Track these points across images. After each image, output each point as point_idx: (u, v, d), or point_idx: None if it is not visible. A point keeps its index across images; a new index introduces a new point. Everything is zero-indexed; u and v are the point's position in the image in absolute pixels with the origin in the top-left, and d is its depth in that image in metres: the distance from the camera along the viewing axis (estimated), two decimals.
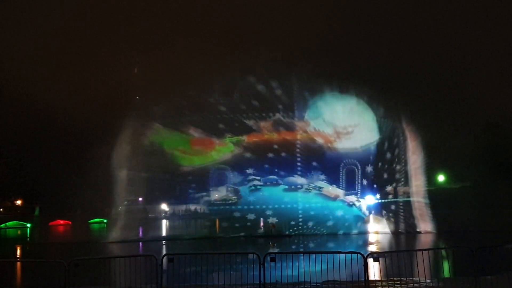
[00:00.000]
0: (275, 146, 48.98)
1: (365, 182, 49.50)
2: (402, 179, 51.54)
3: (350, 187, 49.71)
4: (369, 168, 49.71)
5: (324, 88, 49.83)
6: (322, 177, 48.93)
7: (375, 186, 49.74)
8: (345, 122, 49.67)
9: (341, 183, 49.69)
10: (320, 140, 49.19)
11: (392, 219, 49.32)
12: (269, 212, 48.23)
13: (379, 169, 50.14)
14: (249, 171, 48.92)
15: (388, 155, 50.85)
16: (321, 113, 49.60)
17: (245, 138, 49.45)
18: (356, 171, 49.58)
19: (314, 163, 48.78)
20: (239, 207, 49.11)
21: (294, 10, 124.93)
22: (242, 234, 47.27)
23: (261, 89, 49.46)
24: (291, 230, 47.64)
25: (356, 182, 49.59)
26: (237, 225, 48.18)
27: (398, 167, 51.25)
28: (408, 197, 51.70)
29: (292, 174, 48.72)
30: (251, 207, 48.80)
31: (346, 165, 49.66)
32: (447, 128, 79.64)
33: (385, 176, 50.43)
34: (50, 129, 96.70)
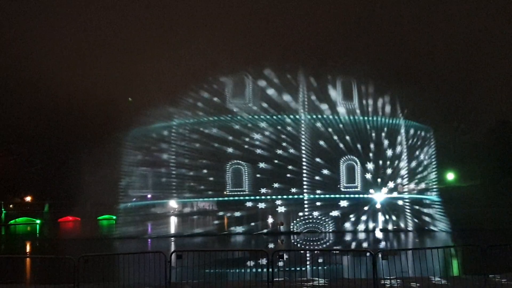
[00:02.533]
0: (284, 144, 49.04)
1: (374, 178, 49.41)
2: (412, 176, 51.48)
3: (360, 184, 49.77)
4: (378, 165, 49.61)
5: (333, 84, 49.85)
6: (332, 174, 49.13)
7: (384, 183, 49.58)
8: (355, 119, 49.61)
9: (351, 179, 49.77)
10: (329, 137, 49.17)
11: (401, 217, 49.23)
12: (278, 210, 48.44)
13: (389, 166, 50.02)
14: (259, 166, 49.11)
15: (398, 152, 50.77)
16: (329, 110, 49.57)
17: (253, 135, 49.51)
18: (364, 167, 49.50)
19: (320, 160, 48.92)
20: (248, 204, 49.17)
21: (299, 10, 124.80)
22: (251, 231, 47.37)
23: (268, 87, 49.63)
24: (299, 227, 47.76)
25: (364, 179, 49.55)
26: (245, 222, 48.34)
27: (407, 164, 51.15)
28: (418, 194, 51.65)
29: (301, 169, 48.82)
30: (260, 204, 48.88)
31: (355, 161, 49.66)
32: (457, 125, 79.32)
33: (395, 173, 50.30)
34: (59, 126, 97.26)
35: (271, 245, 36.69)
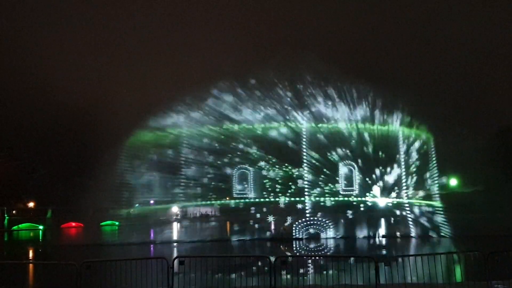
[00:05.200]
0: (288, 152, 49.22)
1: (376, 184, 49.41)
2: (415, 182, 51.44)
3: (361, 189, 49.82)
4: (380, 171, 49.63)
5: (337, 90, 49.96)
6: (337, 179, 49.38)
7: (386, 188, 49.57)
8: (358, 125, 49.72)
9: (354, 184, 49.87)
10: (333, 143, 49.31)
11: (404, 223, 49.16)
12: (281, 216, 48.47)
13: (391, 172, 50.02)
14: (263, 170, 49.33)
15: (401, 158, 50.78)
16: (334, 116, 49.69)
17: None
18: (367, 173, 49.53)
19: (328, 167, 49.10)
20: (251, 210, 49.21)
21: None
22: (254, 237, 47.34)
23: (273, 88, 49.81)
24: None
25: (366, 184, 49.58)
26: (248, 228, 48.34)
27: (410, 170, 51.15)
28: (420, 200, 51.59)
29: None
30: (263, 209, 48.92)
31: (358, 166, 49.70)
32: (460, 131, 79.14)
33: (397, 179, 50.28)
34: (62, 131, 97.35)
35: (274, 251, 36.65)
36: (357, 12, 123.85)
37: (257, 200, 49.41)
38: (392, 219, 49.08)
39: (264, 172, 49.35)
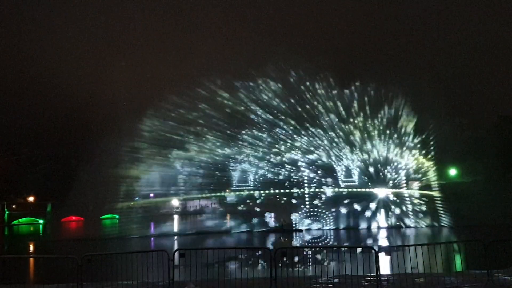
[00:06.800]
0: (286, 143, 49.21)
1: (376, 175, 49.53)
2: (414, 173, 51.49)
3: (360, 180, 49.93)
4: (380, 162, 49.68)
5: (335, 81, 50.03)
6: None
7: (386, 179, 49.66)
8: (356, 116, 49.78)
9: (352, 176, 49.96)
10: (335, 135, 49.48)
11: (404, 213, 49.27)
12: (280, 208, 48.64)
13: (391, 163, 50.08)
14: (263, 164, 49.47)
15: (400, 149, 50.79)
16: (336, 108, 49.80)
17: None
18: (367, 164, 49.60)
19: (329, 161, 49.30)
20: (251, 202, 49.36)
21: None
22: (254, 228, 47.46)
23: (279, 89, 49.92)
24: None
25: (365, 176, 49.69)
26: (248, 220, 48.47)
27: (409, 160, 51.18)
28: (420, 190, 51.66)
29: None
30: (263, 201, 49.06)
31: (358, 158, 49.81)
32: (459, 121, 79.14)
33: (397, 169, 50.34)
34: (61, 126, 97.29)
35: (274, 242, 36.74)
36: (355, 11, 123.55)
37: (257, 192, 49.55)
38: (392, 209, 49.15)
39: (263, 166, 49.43)
